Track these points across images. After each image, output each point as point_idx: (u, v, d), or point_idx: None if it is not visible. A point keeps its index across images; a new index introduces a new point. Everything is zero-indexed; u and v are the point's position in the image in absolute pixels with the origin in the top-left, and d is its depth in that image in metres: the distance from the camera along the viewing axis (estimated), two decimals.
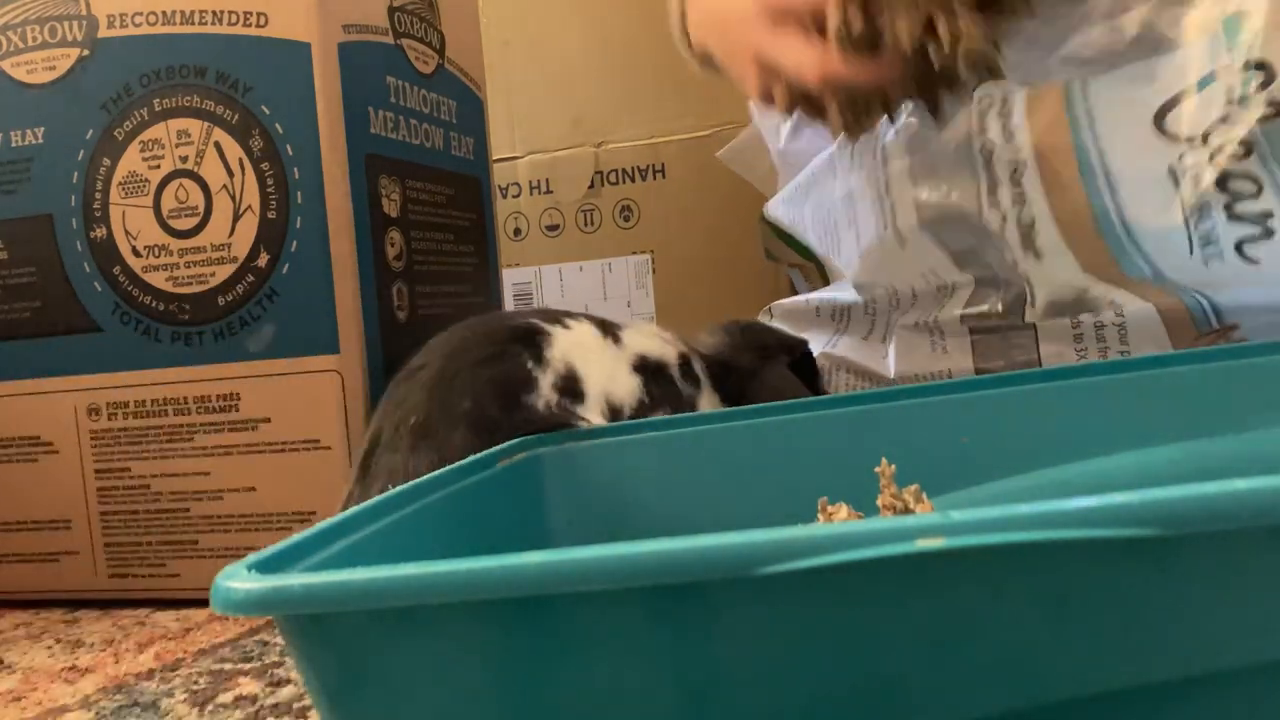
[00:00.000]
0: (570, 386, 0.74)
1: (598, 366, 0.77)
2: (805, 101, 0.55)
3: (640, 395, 0.78)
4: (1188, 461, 0.55)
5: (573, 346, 0.76)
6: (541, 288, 1.36)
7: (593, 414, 0.74)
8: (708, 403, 0.84)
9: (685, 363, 0.84)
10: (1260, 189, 0.69)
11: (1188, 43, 0.61)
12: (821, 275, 1.19)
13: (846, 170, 0.89)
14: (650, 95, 1.31)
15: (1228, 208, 0.68)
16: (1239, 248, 0.70)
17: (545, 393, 0.72)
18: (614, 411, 0.76)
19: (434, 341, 0.78)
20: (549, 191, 1.36)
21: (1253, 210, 0.69)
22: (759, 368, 0.88)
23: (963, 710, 0.29)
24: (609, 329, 0.81)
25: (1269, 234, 0.69)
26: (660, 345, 0.83)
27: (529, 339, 0.75)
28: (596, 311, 0.84)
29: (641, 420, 0.64)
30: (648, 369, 0.80)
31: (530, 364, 0.73)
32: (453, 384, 0.66)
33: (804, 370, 0.91)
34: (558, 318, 0.78)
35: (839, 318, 0.99)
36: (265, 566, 0.33)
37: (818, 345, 0.98)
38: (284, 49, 0.82)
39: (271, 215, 0.83)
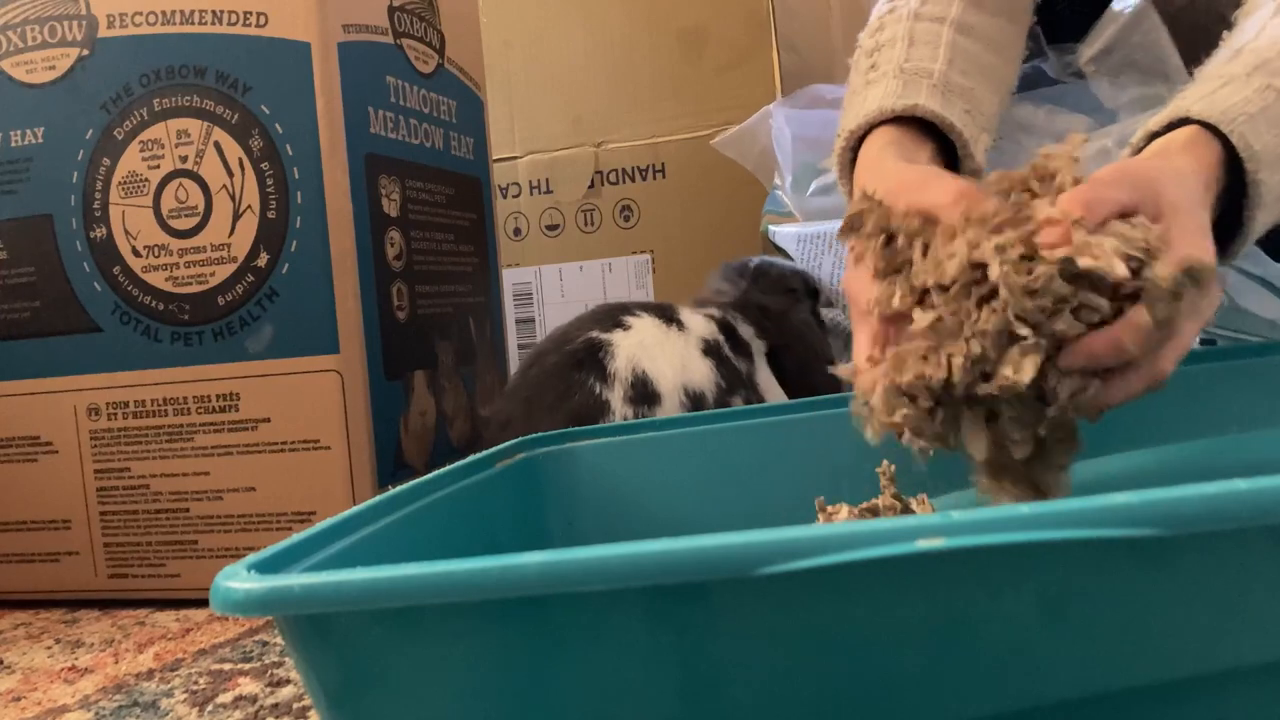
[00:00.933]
0: (642, 392, 0.75)
1: (667, 360, 0.77)
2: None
3: (716, 379, 0.79)
4: (1188, 461, 0.55)
5: (636, 348, 0.77)
6: (541, 288, 1.36)
7: (671, 411, 0.75)
8: (762, 367, 0.85)
9: (729, 331, 0.85)
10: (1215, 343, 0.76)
11: None
12: None
13: None
14: (650, 95, 1.31)
15: None
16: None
17: (618, 410, 0.73)
18: (695, 400, 0.77)
19: (512, 386, 0.80)
20: (549, 191, 1.36)
21: None
22: (788, 309, 0.90)
23: (963, 710, 0.29)
24: (670, 315, 0.82)
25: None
26: (707, 323, 0.83)
27: (591, 358, 0.76)
28: None
29: (641, 420, 0.64)
30: (713, 351, 0.81)
31: (598, 387, 0.74)
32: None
33: (816, 312, 0.94)
34: (618, 319, 0.79)
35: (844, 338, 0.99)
36: (265, 566, 0.33)
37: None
38: (284, 49, 0.82)
39: (271, 215, 0.83)
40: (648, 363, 0.76)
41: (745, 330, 0.86)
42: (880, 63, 0.66)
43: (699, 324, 0.82)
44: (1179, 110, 0.53)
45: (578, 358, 0.75)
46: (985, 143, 0.64)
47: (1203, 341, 0.76)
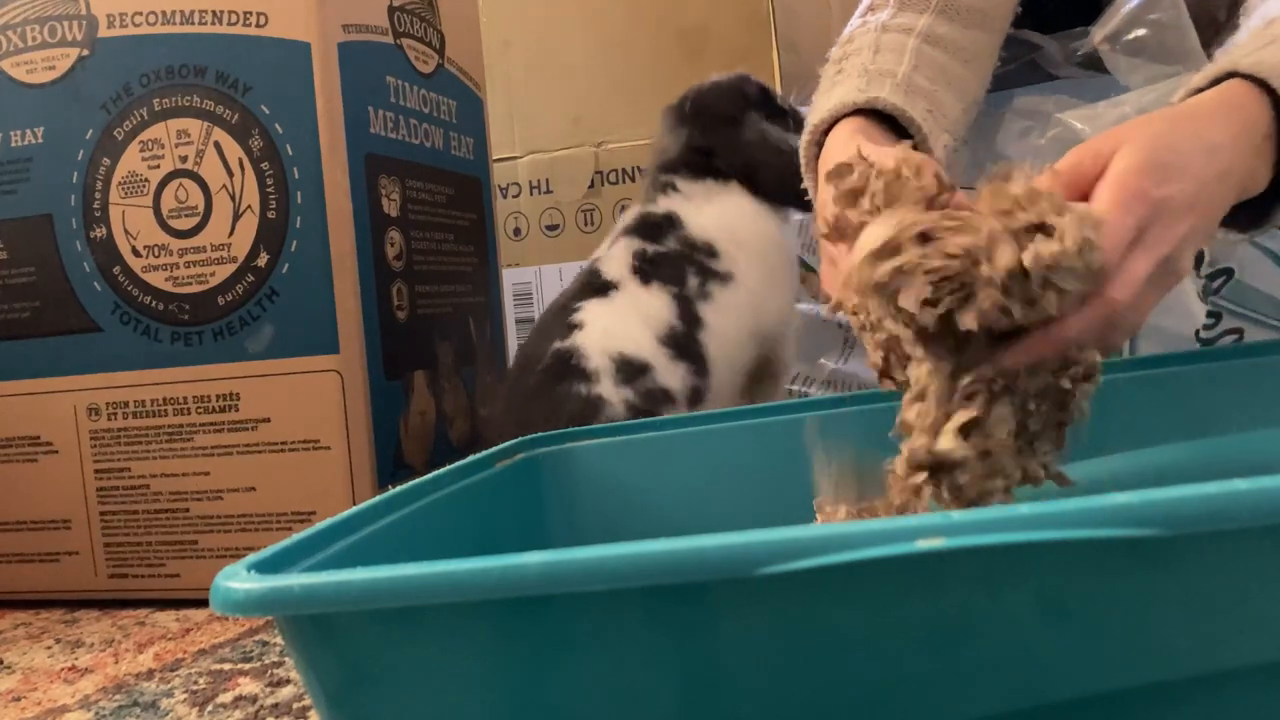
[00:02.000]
0: (631, 369, 0.75)
1: (632, 327, 0.78)
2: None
3: (668, 295, 0.79)
4: (1188, 461, 0.54)
5: (602, 336, 0.77)
6: (541, 288, 1.36)
7: (666, 370, 0.76)
8: (694, 218, 0.84)
9: (646, 228, 0.84)
10: (1218, 319, 0.77)
11: None
12: None
13: None
14: (650, 95, 1.31)
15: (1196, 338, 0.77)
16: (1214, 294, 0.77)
17: (613, 396, 0.74)
18: (671, 338, 0.78)
19: (496, 413, 0.80)
20: (549, 191, 1.36)
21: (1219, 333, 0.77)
22: (734, 137, 0.88)
23: (963, 710, 0.29)
24: (600, 285, 0.81)
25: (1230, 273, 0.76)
26: (626, 245, 0.83)
27: (566, 367, 0.76)
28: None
29: (642, 420, 0.64)
30: (647, 266, 0.81)
31: (584, 389, 0.74)
32: None
33: (774, 110, 0.92)
34: (567, 323, 0.79)
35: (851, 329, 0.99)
36: (265, 566, 0.33)
37: (829, 361, 0.98)
38: (284, 49, 0.82)
39: (271, 215, 0.83)
40: (619, 343, 0.76)
41: (665, 202, 0.86)
42: (846, 68, 0.68)
43: (619, 260, 0.82)
44: (1226, 65, 0.51)
45: (554, 372, 0.76)
46: (946, 141, 0.65)
47: (1209, 314, 0.76)
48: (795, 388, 1.01)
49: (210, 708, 0.60)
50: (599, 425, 0.64)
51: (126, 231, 0.86)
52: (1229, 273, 0.75)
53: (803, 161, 0.67)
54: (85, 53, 0.86)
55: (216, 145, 0.83)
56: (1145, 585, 0.28)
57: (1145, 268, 0.43)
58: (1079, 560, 0.28)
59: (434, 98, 0.97)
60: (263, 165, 0.82)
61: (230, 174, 0.83)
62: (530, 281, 1.37)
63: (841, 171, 0.48)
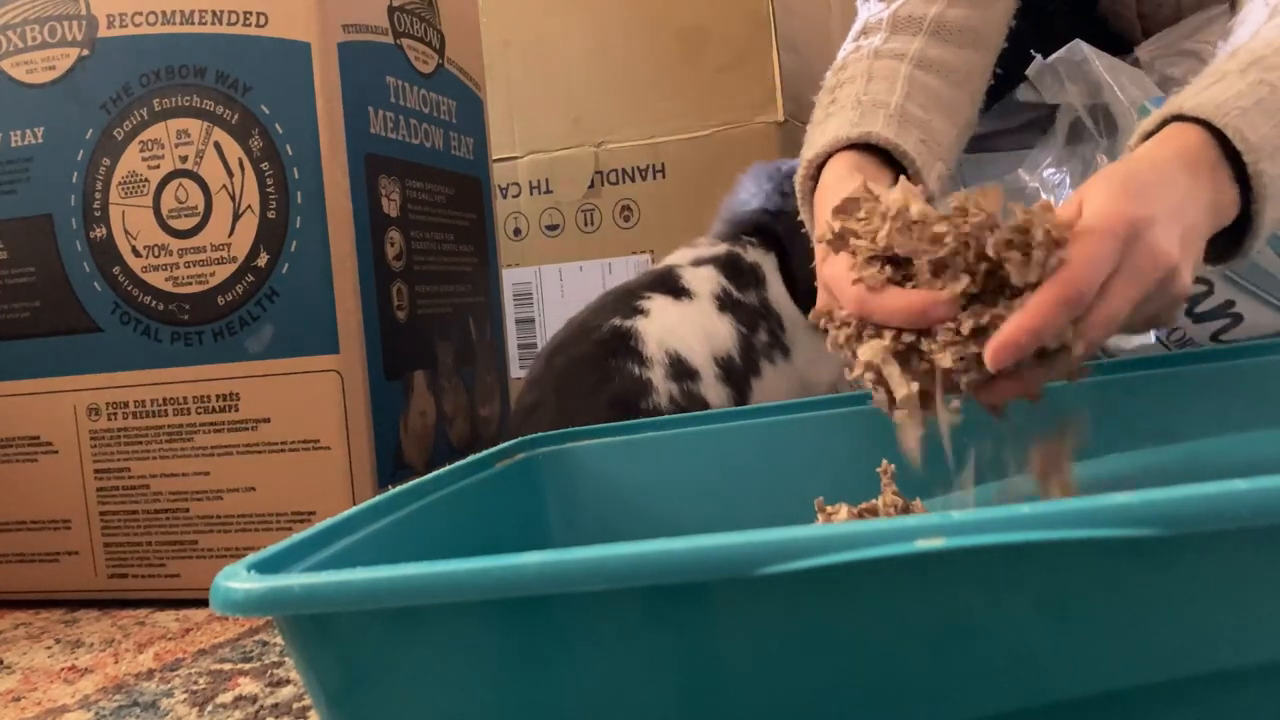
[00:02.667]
0: (681, 369, 0.76)
1: (693, 335, 0.79)
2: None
3: (737, 329, 0.81)
4: (1188, 461, 0.55)
5: (663, 332, 0.78)
6: (541, 288, 1.36)
7: (710, 385, 0.77)
8: (774, 282, 0.86)
9: (734, 267, 0.85)
10: (1211, 287, 0.76)
11: None
12: None
13: None
14: (650, 95, 1.31)
15: (1189, 312, 0.76)
16: (1215, 339, 0.77)
17: (661, 387, 0.74)
18: (727, 364, 0.79)
19: (536, 374, 0.80)
20: (549, 191, 1.36)
21: (1212, 305, 0.76)
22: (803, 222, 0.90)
23: (963, 710, 0.29)
24: (676, 288, 0.82)
25: (1238, 320, 0.75)
26: (711, 275, 0.84)
27: (623, 345, 0.76)
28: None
29: (641, 420, 0.64)
30: (726, 303, 0.82)
31: (637, 369, 0.75)
32: (574, 419, 0.68)
33: None
34: (634, 306, 0.79)
35: None
36: (265, 566, 0.33)
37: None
38: (284, 49, 0.82)
39: (271, 215, 0.83)
40: (677, 343, 0.77)
41: (754, 254, 0.87)
42: (840, 97, 0.69)
43: (703, 280, 0.83)
44: (1172, 108, 0.53)
45: (610, 346, 0.76)
46: (939, 170, 0.67)
47: (1201, 281, 0.76)
48: None
49: (210, 708, 0.60)
50: (599, 425, 0.64)
51: (126, 231, 0.86)
52: None
53: (799, 195, 0.68)
54: (85, 53, 0.86)
55: (216, 145, 0.83)
56: (1145, 585, 0.28)
57: (1124, 299, 0.45)
58: (1079, 560, 0.28)
59: (434, 98, 0.97)
60: (263, 165, 0.82)
61: (230, 174, 0.83)
62: (530, 281, 1.37)
63: (849, 208, 0.49)
